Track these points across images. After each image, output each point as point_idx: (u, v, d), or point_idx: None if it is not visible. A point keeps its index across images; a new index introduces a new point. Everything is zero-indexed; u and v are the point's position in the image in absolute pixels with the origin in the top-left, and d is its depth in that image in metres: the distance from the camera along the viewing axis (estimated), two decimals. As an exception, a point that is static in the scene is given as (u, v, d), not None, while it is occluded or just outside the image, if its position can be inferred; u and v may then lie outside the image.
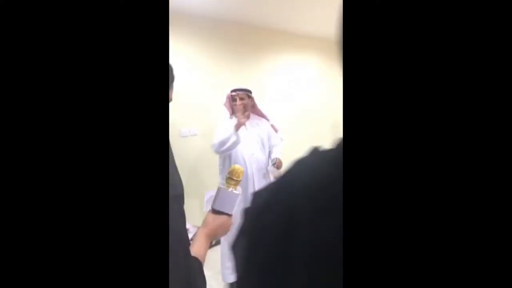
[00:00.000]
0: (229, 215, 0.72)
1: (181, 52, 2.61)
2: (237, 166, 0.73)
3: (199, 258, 0.61)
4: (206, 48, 2.78)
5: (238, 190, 0.71)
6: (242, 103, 1.92)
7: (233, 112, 2.05)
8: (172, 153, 0.55)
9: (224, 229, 0.72)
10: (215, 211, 0.71)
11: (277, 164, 1.97)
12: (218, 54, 2.88)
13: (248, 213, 0.42)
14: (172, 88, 0.67)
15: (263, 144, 2.01)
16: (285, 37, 3.45)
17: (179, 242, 0.52)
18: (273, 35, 3.31)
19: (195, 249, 0.63)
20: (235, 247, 0.42)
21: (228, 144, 1.87)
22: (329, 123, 4.11)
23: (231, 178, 0.72)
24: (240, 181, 0.71)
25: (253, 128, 2.03)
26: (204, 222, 0.71)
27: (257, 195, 0.43)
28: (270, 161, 2.02)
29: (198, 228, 0.70)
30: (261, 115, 2.10)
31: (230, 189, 0.71)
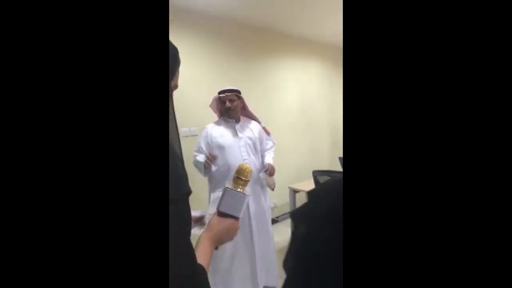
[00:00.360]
0: (236, 218, 0.66)
1: (183, 51, 2.43)
2: (245, 165, 0.68)
3: (203, 265, 0.56)
4: (208, 47, 2.80)
5: (247, 192, 0.66)
6: (232, 105, 1.71)
7: (221, 115, 1.84)
8: (181, 151, 0.54)
9: (230, 234, 0.67)
10: (220, 214, 0.66)
11: (269, 171, 1.92)
12: (221, 54, 2.90)
13: (300, 219, 0.42)
14: (178, 74, 0.62)
15: (255, 149, 1.87)
16: (290, 40, 3.53)
17: (183, 247, 0.49)
18: (277, 38, 3.38)
19: (199, 255, 0.57)
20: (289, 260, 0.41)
21: (200, 171, 1.90)
22: (330, 128, 4.21)
23: (239, 178, 0.67)
24: (248, 181, 0.67)
25: (244, 132, 1.94)
26: (209, 226, 0.66)
27: (314, 200, 0.42)
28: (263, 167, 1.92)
29: (201, 233, 0.66)
30: (252, 117, 1.94)
31: (238, 190, 0.66)
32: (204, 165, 1.80)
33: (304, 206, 0.45)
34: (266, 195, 2.00)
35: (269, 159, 1.96)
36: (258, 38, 3.19)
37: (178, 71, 0.61)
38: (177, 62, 0.59)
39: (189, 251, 0.51)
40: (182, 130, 2.61)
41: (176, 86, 0.61)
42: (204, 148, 1.88)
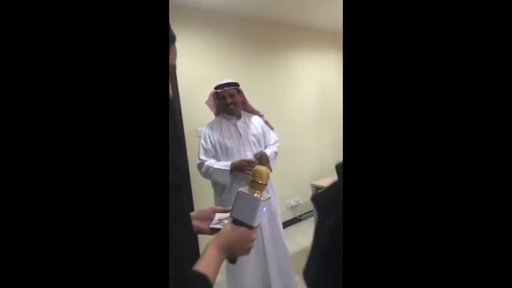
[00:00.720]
0: (251, 227, 0.59)
1: (193, 49, 2.59)
2: (262, 167, 0.61)
3: (207, 273, 0.49)
4: (221, 45, 2.75)
5: (264, 197, 0.59)
6: (232, 101, 1.51)
7: (218, 112, 1.65)
8: (183, 139, 0.52)
9: (243, 244, 0.59)
10: (235, 221, 0.60)
11: (259, 157, 1.72)
12: (234, 51, 2.83)
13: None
14: (175, 51, 0.55)
15: (260, 145, 1.72)
16: (306, 32, 3.41)
17: (180, 248, 0.45)
18: (292, 30, 3.27)
19: (203, 264, 0.51)
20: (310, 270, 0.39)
21: (216, 176, 1.69)
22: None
23: (254, 181, 0.60)
24: (265, 185, 0.59)
25: (247, 129, 1.82)
26: (221, 232, 0.59)
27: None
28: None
29: (211, 239, 0.59)
30: (253, 111, 1.76)
31: (254, 195, 0.59)
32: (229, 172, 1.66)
33: (330, 190, 0.37)
34: (274, 197, 1.77)
35: (268, 151, 1.79)
36: (271, 32, 3.11)
37: (174, 48, 0.54)
38: (171, 38, 0.52)
39: (187, 254, 0.47)
40: (199, 129, 2.54)
41: (174, 66, 0.54)
42: (212, 150, 1.70)
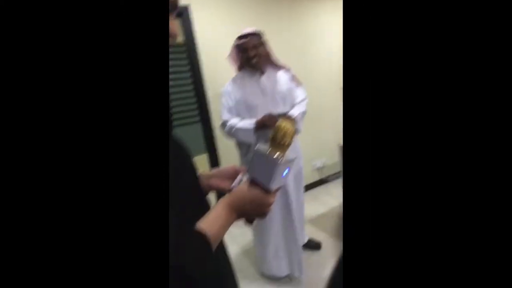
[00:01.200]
0: (267, 191, 0.52)
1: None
2: (283, 123, 0.51)
3: (210, 235, 0.45)
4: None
5: (286, 158, 0.51)
6: (256, 53, 1.33)
7: (241, 66, 1.47)
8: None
9: (256, 206, 0.53)
10: (252, 181, 0.53)
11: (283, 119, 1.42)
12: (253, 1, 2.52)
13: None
14: (173, 15, 0.48)
15: (286, 103, 1.69)
16: None
17: (178, 204, 0.41)
18: None
19: (207, 222, 0.47)
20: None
21: (239, 136, 1.58)
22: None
23: (275, 139, 0.51)
24: (287, 145, 0.51)
25: (272, 86, 1.64)
26: (234, 190, 0.54)
27: None
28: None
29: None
30: (279, 65, 1.54)
31: (274, 155, 0.51)
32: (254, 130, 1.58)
33: None
34: (299, 158, 1.65)
35: (295, 111, 1.65)
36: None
37: (174, 14, 0.48)
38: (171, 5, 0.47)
39: (186, 210, 0.45)
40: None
41: (174, 36, 0.48)
42: (234, 108, 1.62)
